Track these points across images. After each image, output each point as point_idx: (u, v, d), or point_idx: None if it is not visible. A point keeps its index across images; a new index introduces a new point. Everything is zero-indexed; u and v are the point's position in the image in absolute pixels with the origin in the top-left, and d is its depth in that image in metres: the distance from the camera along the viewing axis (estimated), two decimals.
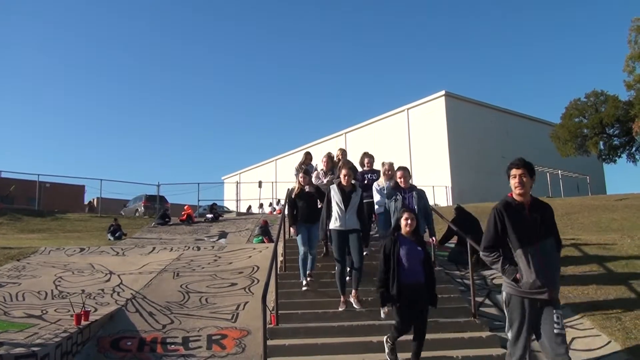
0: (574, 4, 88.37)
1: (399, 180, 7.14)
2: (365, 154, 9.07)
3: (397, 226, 5.14)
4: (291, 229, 7.77)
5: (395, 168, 7.59)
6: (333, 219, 6.45)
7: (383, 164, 7.98)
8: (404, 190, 6.93)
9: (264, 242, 13.52)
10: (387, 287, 4.86)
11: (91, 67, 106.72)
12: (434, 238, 7.18)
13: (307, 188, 7.55)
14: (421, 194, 6.96)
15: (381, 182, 7.82)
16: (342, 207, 6.39)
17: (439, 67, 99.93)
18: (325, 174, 9.02)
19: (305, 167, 9.29)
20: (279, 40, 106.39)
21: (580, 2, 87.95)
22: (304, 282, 7.05)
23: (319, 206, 7.31)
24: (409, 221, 5.06)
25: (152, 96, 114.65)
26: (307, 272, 7.13)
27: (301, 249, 7.26)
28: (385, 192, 7.52)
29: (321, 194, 7.39)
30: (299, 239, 7.28)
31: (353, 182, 6.74)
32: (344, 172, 6.59)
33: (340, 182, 6.60)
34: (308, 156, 9.83)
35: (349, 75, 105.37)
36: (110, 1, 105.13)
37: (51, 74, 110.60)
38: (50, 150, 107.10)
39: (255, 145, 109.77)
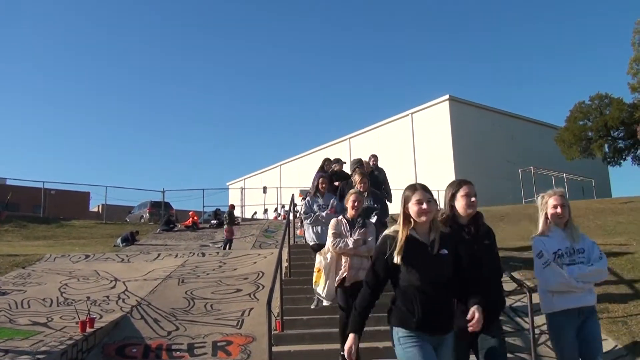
0: (577, 6, 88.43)
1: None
2: (358, 167, 6.73)
3: None
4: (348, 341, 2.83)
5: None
6: None
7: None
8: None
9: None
10: None
11: (96, 71, 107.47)
12: None
13: (430, 236, 2.81)
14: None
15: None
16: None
17: (443, 71, 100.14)
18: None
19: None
20: (282, 45, 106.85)
21: (584, 4, 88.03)
22: None
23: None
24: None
25: (156, 102, 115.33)
26: None
27: None
28: None
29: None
30: None
31: None
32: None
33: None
34: (329, 162, 7.56)
35: (353, 80, 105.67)
36: (114, 8, 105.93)
37: (56, 79, 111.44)
38: (55, 157, 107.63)
39: (259, 151, 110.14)
